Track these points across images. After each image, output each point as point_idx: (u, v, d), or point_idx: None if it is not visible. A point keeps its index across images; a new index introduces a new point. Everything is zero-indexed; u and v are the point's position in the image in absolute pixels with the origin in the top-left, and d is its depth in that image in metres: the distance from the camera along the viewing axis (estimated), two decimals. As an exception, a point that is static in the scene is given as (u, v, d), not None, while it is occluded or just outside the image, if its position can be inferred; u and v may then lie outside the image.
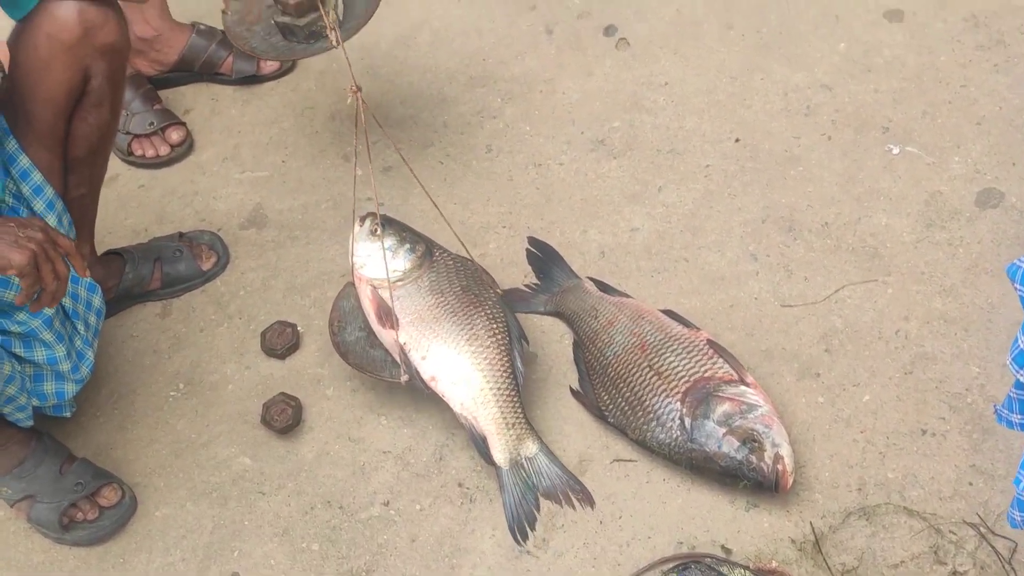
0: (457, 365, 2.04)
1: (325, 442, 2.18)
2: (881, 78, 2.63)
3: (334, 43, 2.12)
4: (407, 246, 2.17)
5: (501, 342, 2.07)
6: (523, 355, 2.09)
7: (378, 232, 2.15)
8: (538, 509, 1.99)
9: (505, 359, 2.06)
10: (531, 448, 2.02)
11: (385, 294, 2.11)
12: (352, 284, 2.26)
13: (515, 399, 2.04)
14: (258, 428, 2.21)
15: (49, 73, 1.97)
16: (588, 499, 2.01)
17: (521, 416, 2.03)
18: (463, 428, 2.03)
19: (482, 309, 2.10)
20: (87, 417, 2.26)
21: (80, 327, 2.04)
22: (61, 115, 2.04)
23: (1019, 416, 1.51)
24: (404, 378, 2.07)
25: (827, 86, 2.64)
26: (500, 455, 2.00)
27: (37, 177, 2.00)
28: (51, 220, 2.03)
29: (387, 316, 2.09)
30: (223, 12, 2.31)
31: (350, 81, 2.01)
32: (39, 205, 2.01)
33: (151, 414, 2.27)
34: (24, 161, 1.99)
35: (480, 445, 2.01)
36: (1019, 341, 1.37)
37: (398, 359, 2.08)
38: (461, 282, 2.15)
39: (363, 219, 2.18)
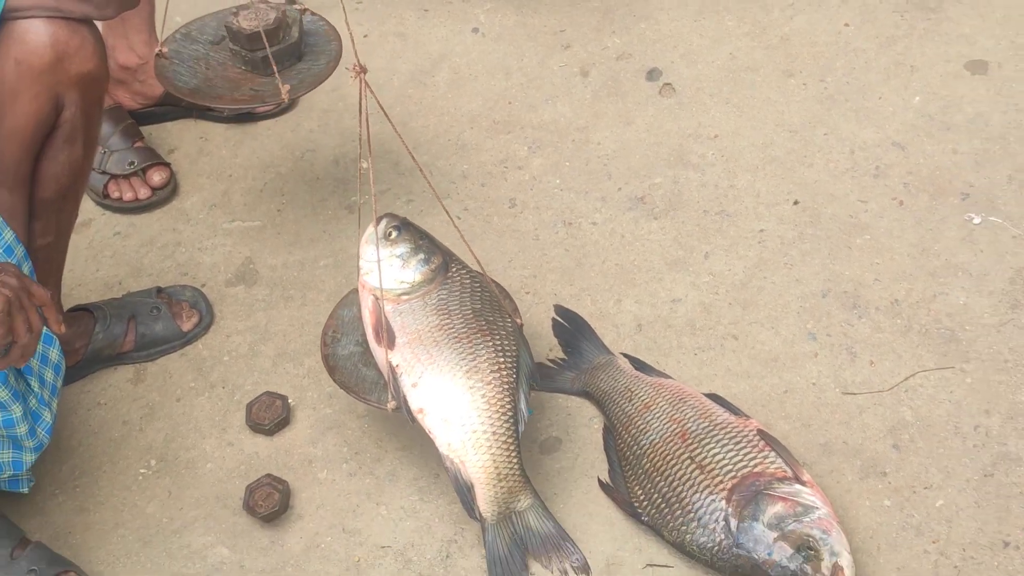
0: (450, 400, 2.02)
1: (316, 533, 2.19)
2: (962, 137, 2.68)
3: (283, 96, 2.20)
4: (421, 256, 2.14)
5: (505, 379, 2.04)
6: (529, 397, 2.07)
7: (392, 237, 2.14)
8: (526, 570, 2.01)
9: (507, 400, 2.03)
10: (524, 502, 2.03)
11: (387, 306, 2.09)
12: (356, 291, 2.27)
13: (512, 447, 2.02)
14: (239, 514, 2.22)
15: (16, 103, 1.98)
16: (583, 566, 2.03)
17: (516, 467, 2.02)
18: (447, 472, 2.02)
19: (490, 339, 2.07)
20: (45, 495, 2.28)
21: (34, 384, 2.04)
22: (28, 151, 2.05)
23: None
24: (391, 405, 2.07)
25: (899, 144, 2.68)
26: (486, 507, 2.00)
27: None
28: None
29: (383, 331, 2.07)
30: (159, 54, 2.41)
31: (353, 60, 1.97)
32: None
33: (117, 494, 2.29)
34: None
35: (464, 495, 1.99)
36: None
37: (388, 381, 2.07)
38: (474, 304, 2.12)
39: (380, 219, 2.16)
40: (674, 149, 2.75)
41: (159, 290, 2.55)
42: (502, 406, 2.02)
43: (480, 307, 2.12)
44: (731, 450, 2.08)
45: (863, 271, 2.45)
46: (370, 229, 2.15)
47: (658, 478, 2.10)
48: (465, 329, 2.07)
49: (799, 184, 2.64)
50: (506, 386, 2.04)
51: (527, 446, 2.26)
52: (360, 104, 1.96)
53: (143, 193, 2.77)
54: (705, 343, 2.38)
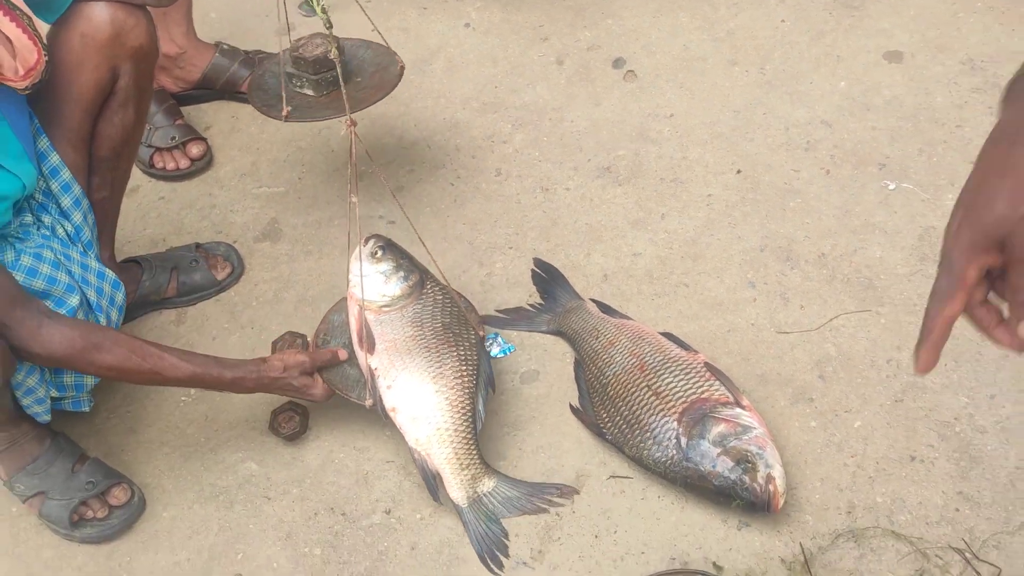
0: (418, 400, 2.00)
1: (330, 450, 2.18)
2: (879, 116, 2.65)
3: (347, 117, 2.10)
4: (401, 274, 2.12)
5: (466, 385, 2.02)
6: (487, 400, 2.04)
7: (377, 255, 2.13)
8: (506, 536, 1.98)
9: (467, 402, 2.01)
10: (488, 484, 2.00)
11: (370, 316, 2.08)
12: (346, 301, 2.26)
13: (471, 441, 1.99)
14: (266, 435, 2.21)
15: (81, 71, 2.03)
16: (568, 491, 2.03)
17: (476, 457, 1.99)
18: (415, 463, 2.00)
19: (456, 350, 2.05)
20: (100, 419, 2.26)
21: (102, 320, 2.04)
22: (89, 113, 2.09)
23: None
24: (369, 402, 2.06)
25: (827, 123, 2.66)
26: (457, 493, 1.98)
27: (66, 175, 2.03)
28: (76, 217, 2.06)
29: (367, 340, 2.06)
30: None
31: (346, 115, 2.06)
32: (66, 202, 2.04)
33: (162, 418, 2.27)
34: (54, 159, 2.02)
35: (430, 483, 1.97)
36: None
37: (367, 382, 2.06)
38: (443, 319, 2.10)
39: (367, 240, 2.16)
40: (636, 126, 2.72)
41: (197, 245, 2.52)
42: (463, 407, 2.00)
43: (448, 321, 2.10)
44: (682, 379, 2.07)
45: (795, 229, 2.43)
46: (358, 248, 2.14)
47: (620, 403, 2.09)
48: (434, 340, 2.06)
49: (741, 156, 2.61)
50: (467, 390, 2.02)
51: (509, 378, 2.25)
52: (350, 151, 2.02)
53: (183, 163, 2.74)
54: (661, 290, 2.36)
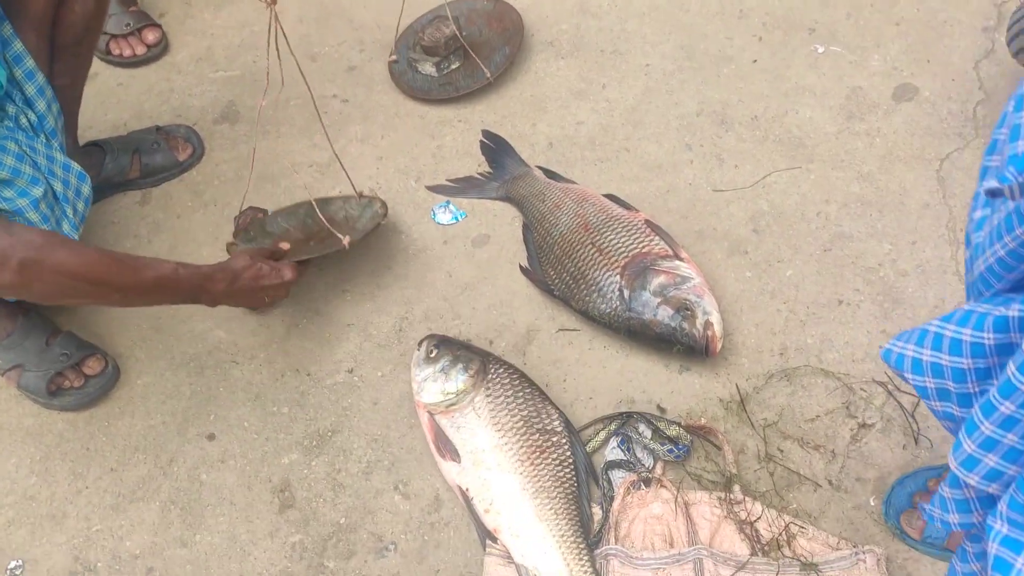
0: (521, 519, 1.75)
1: (294, 316, 2.12)
2: (809, -16, 2.55)
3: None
4: (460, 366, 1.88)
5: (569, 491, 1.76)
6: (590, 497, 1.78)
7: (432, 355, 1.91)
8: None
9: (572, 508, 1.75)
10: None
11: (443, 420, 1.85)
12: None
13: (582, 549, 1.70)
14: (232, 304, 2.14)
15: None
16: None
17: (588, 567, 1.69)
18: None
19: (548, 454, 1.79)
20: (72, 295, 2.18)
21: (68, 211, 1.94)
22: (51, 2, 1.94)
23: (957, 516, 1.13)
24: (346, 240, 1.96)
25: (759, -8, 2.55)
26: None
27: (30, 62, 1.90)
28: (40, 105, 1.93)
29: (445, 447, 1.83)
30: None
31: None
32: (31, 89, 1.91)
33: (132, 293, 2.19)
34: (18, 46, 1.88)
35: None
36: (963, 443, 1.02)
37: (459, 497, 1.82)
38: (522, 411, 1.84)
39: (421, 343, 1.95)
40: (576, 2, 2.60)
41: (158, 128, 2.40)
42: (568, 513, 1.74)
43: (527, 413, 1.84)
44: (624, 236, 2.01)
45: (729, 94, 2.35)
46: (415, 353, 1.94)
47: (567, 261, 2.03)
48: (522, 446, 1.80)
49: (678, 26, 2.50)
50: (570, 495, 1.76)
51: (463, 243, 2.18)
52: (268, 34, 1.77)
53: (140, 50, 2.59)
54: (603, 155, 2.29)
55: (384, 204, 2.11)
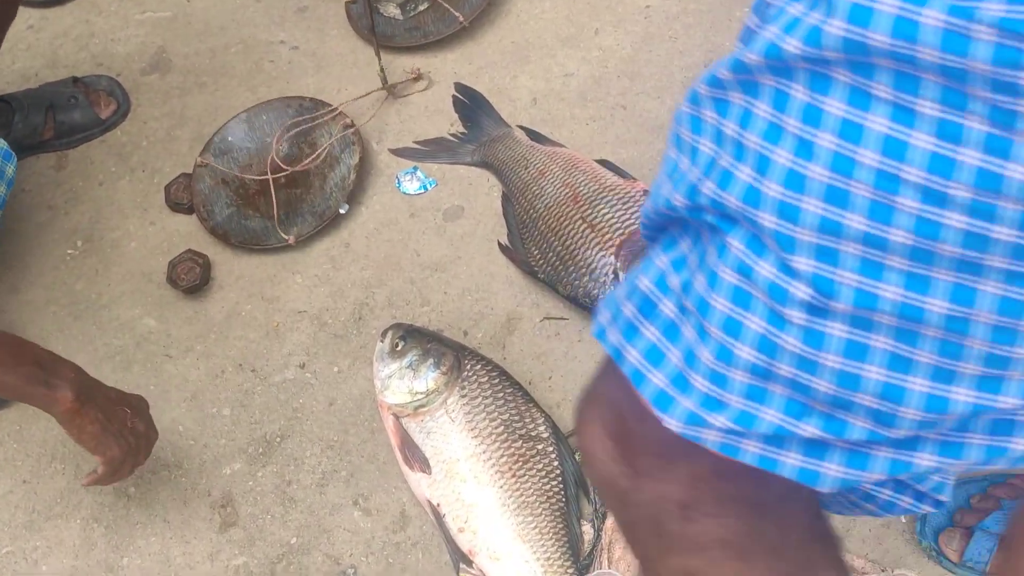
0: (501, 539, 1.70)
1: (236, 302, 2.07)
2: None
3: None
4: (430, 361, 1.82)
5: (556, 507, 1.72)
6: (580, 514, 1.74)
7: (399, 348, 1.84)
8: None
9: (560, 526, 1.70)
10: None
11: (410, 425, 1.79)
12: (200, 165, 2.18)
13: (570, 573, 1.67)
14: (164, 288, 2.08)
15: None
16: None
17: None
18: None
19: (532, 464, 1.74)
20: (-24, 278, 2.13)
21: None
22: None
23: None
24: (291, 238, 1.99)
25: (776, -79, 2.50)
26: None
27: None
28: None
29: (413, 456, 1.78)
30: None
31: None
32: None
33: (47, 274, 2.14)
34: None
35: None
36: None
37: (428, 513, 1.78)
38: (502, 414, 1.78)
39: (384, 333, 1.88)
40: (565, -69, 2.54)
41: (75, 80, 2.33)
42: (555, 531, 1.70)
43: (508, 416, 1.78)
44: (619, 210, 1.97)
45: (742, 42, 2.30)
46: (379, 344, 1.87)
47: (553, 238, 1.99)
48: (503, 457, 1.74)
49: (682, -39, 2.45)
50: (557, 511, 1.72)
51: (433, 216, 2.14)
52: None
53: (53, -14, 2.52)
54: (596, 113, 2.24)
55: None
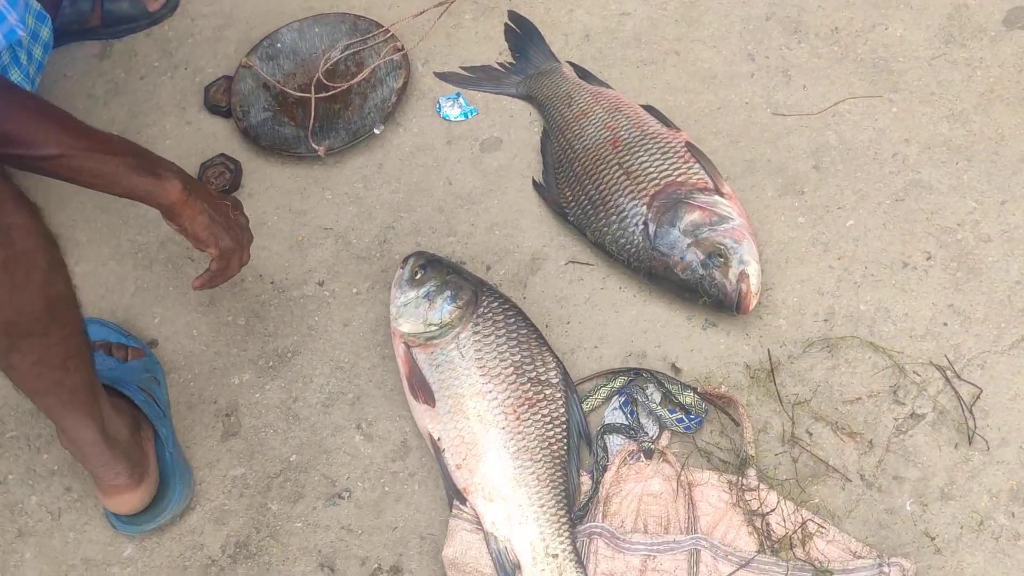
0: (497, 480, 1.68)
1: (263, 211, 2.06)
2: None
3: None
4: (447, 293, 1.81)
5: (556, 453, 1.70)
6: (579, 463, 1.72)
7: (418, 276, 1.83)
8: None
9: (558, 474, 1.68)
10: None
11: (420, 355, 1.78)
12: (244, 66, 2.15)
13: (563, 523, 1.64)
14: (193, 190, 2.08)
15: None
16: None
17: (568, 543, 1.62)
18: (490, 554, 1.64)
19: (538, 408, 1.72)
20: (10, 159, 2.12)
21: (23, 57, 1.86)
22: None
23: None
24: (322, 149, 1.95)
25: None
26: None
27: None
28: None
29: (420, 387, 1.76)
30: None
31: None
32: None
33: (80, 163, 2.13)
34: None
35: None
36: None
37: (429, 446, 1.76)
38: (513, 355, 1.76)
39: (405, 260, 1.87)
40: None
41: (126, -31, 2.31)
42: (552, 480, 1.67)
43: (519, 358, 1.76)
44: (658, 159, 1.92)
45: (809, -3, 2.22)
46: (398, 271, 1.85)
47: (587, 181, 1.95)
48: (509, 398, 1.72)
49: (758, -93, 2.36)
50: (557, 459, 1.69)
51: (470, 145, 2.10)
52: None
53: None
54: (648, 56, 2.18)
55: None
